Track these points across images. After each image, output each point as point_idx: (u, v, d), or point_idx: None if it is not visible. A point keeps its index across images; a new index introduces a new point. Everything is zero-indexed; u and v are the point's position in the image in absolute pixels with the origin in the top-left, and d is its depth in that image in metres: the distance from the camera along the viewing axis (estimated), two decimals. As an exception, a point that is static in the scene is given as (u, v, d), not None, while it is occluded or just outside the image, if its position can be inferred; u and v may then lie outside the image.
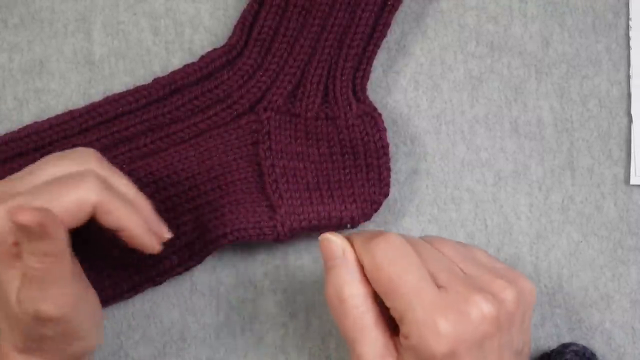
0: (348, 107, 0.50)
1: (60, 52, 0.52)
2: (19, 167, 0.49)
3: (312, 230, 0.50)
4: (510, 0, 0.53)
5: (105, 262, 0.50)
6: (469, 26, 0.53)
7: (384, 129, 0.51)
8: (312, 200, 0.50)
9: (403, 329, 0.40)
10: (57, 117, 0.50)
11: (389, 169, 0.51)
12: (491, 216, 0.53)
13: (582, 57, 0.53)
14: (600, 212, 0.53)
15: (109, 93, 0.52)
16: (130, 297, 0.51)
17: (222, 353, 0.52)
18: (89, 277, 0.50)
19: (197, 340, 0.52)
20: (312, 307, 0.52)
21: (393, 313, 0.40)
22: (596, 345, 0.52)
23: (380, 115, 0.51)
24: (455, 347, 0.38)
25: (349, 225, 0.51)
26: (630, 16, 0.53)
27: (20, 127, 0.51)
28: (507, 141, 0.53)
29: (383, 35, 0.51)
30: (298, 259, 0.53)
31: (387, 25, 0.50)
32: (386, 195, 0.51)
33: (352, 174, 0.51)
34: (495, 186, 0.53)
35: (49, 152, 0.49)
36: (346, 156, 0.51)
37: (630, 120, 0.53)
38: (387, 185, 0.51)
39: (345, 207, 0.50)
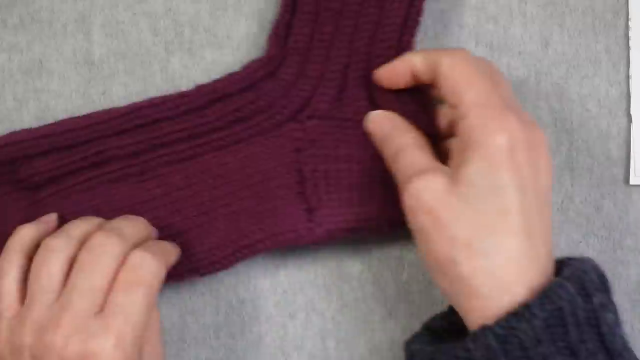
0: (393, 107, 0.49)
1: (59, 53, 0.52)
2: (53, 163, 0.49)
3: (348, 233, 0.50)
4: (510, 0, 0.53)
5: None
6: (469, 26, 0.53)
7: (432, 125, 0.49)
8: (351, 202, 0.50)
9: (465, 123, 0.43)
10: (95, 115, 0.50)
11: None
12: (491, 216, 0.53)
13: (581, 57, 0.53)
14: (599, 213, 0.53)
15: (108, 93, 0.52)
16: None
17: (222, 353, 0.52)
18: None
19: (197, 341, 0.52)
20: (312, 307, 0.52)
21: (457, 112, 0.44)
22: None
23: (424, 113, 0.49)
24: (514, 142, 0.42)
25: (387, 229, 0.50)
26: (629, 16, 0.53)
27: (55, 121, 0.50)
28: (507, 141, 0.53)
29: (417, 22, 0.49)
30: (298, 259, 0.53)
31: (419, 11, 0.49)
32: None
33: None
34: (495, 186, 0.53)
35: (84, 151, 0.49)
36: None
37: (629, 121, 0.53)
38: None
39: (385, 210, 0.49)
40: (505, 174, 0.41)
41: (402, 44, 0.49)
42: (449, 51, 0.46)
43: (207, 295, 0.52)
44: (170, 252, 0.47)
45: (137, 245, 0.45)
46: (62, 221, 0.49)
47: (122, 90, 0.52)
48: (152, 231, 0.49)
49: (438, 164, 0.44)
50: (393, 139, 0.47)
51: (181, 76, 0.52)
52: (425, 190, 0.42)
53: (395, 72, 0.48)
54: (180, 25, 0.53)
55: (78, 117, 0.50)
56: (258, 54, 0.52)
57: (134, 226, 0.46)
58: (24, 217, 0.50)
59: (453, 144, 0.45)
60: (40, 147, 0.49)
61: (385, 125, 0.48)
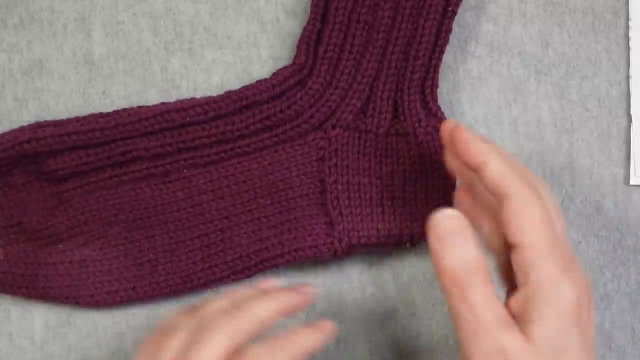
0: (417, 123, 0.50)
1: (59, 52, 0.52)
2: (79, 159, 0.49)
3: (369, 247, 0.50)
4: (510, 0, 0.53)
5: (157, 266, 0.50)
6: (469, 26, 0.53)
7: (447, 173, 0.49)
8: (372, 217, 0.50)
9: (533, 274, 0.39)
10: (124, 115, 0.50)
11: (453, 188, 0.50)
12: (491, 216, 0.53)
13: (581, 57, 0.53)
14: (599, 213, 0.53)
15: (108, 93, 0.52)
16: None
17: (222, 353, 0.52)
18: (141, 276, 0.50)
19: (197, 341, 0.52)
20: (313, 308, 0.52)
21: (519, 266, 0.40)
22: (596, 345, 0.52)
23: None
24: (581, 299, 0.39)
25: (407, 244, 0.50)
26: (629, 16, 0.53)
27: (83, 117, 0.50)
28: (507, 142, 0.53)
29: (446, 41, 0.50)
30: (298, 259, 0.53)
31: (449, 30, 0.49)
32: None
33: (418, 192, 0.50)
34: (495, 186, 0.53)
35: (110, 150, 0.49)
36: (413, 174, 0.50)
37: (629, 121, 0.53)
38: (451, 204, 0.48)
39: (407, 224, 0.50)
40: (575, 335, 0.39)
41: (433, 61, 0.50)
42: (521, 190, 0.41)
43: (207, 295, 0.52)
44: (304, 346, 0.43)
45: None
46: (85, 216, 0.50)
47: (122, 90, 0.52)
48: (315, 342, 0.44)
49: (509, 316, 0.41)
50: (463, 277, 0.41)
51: (181, 76, 0.52)
52: (509, 348, 0.39)
53: (465, 151, 0.43)
54: (180, 25, 0.53)
55: (106, 116, 0.50)
56: (258, 54, 0.52)
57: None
58: (44, 207, 0.50)
59: (516, 276, 0.41)
60: (66, 144, 0.49)
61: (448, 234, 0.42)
